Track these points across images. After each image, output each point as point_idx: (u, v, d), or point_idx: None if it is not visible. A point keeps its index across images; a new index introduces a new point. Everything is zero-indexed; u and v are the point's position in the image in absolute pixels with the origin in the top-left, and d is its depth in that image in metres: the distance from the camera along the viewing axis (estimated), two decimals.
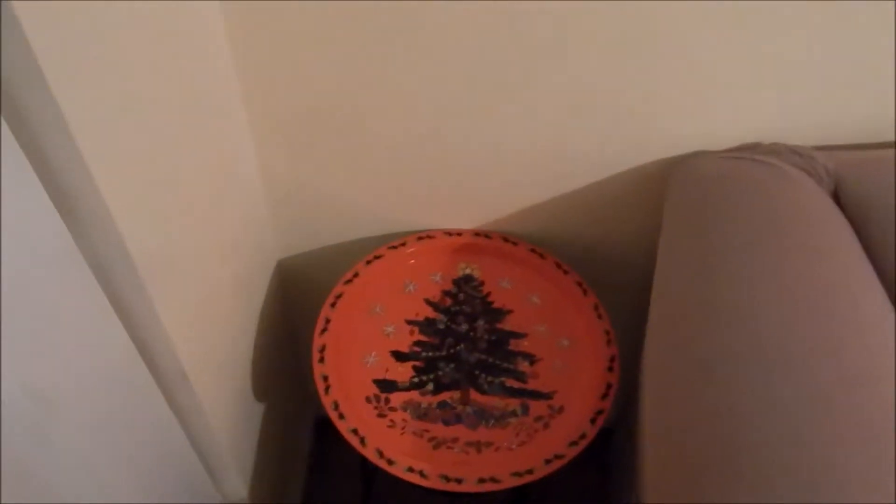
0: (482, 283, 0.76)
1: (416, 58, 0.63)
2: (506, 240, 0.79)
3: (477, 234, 0.80)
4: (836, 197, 0.65)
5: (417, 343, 0.71)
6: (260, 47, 0.62)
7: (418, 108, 0.68)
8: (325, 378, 0.67)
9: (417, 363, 0.70)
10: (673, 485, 0.47)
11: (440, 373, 0.69)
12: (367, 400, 0.66)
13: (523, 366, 0.70)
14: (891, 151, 0.67)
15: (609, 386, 0.67)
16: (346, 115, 0.69)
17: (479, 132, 0.70)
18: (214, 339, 0.64)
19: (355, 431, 0.63)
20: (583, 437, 0.63)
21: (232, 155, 0.67)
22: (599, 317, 0.72)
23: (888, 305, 0.56)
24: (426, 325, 0.73)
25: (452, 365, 0.70)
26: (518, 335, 0.72)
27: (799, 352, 0.50)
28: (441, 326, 0.73)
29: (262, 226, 0.78)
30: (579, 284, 0.75)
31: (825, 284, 0.55)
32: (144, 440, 0.53)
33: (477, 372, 0.69)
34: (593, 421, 0.64)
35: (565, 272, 0.76)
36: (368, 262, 0.77)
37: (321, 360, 0.68)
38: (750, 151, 0.66)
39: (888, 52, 0.62)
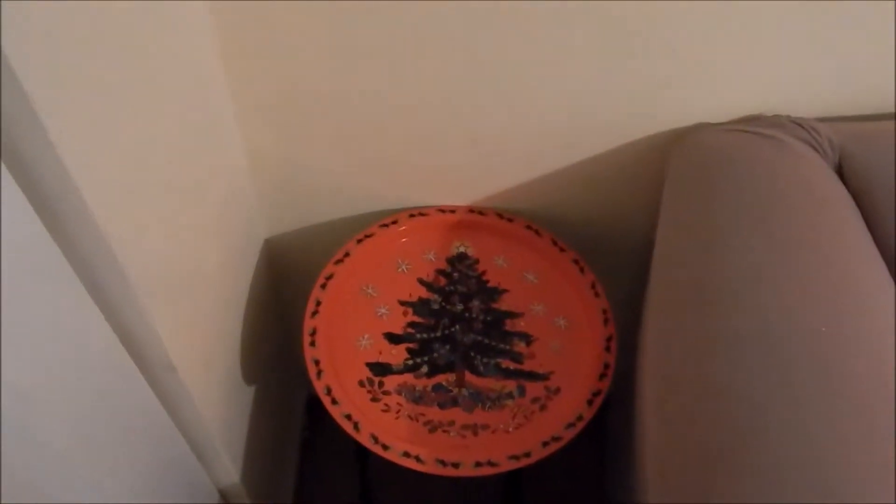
0: (477, 262, 0.75)
1: (405, 30, 0.60)
2: (501, 216, 0.77)
3: (471, 210, 0.78)
4: (840, 169, 0.64)
5: (411, 324, 0.70)
6: (243, 23, 0.59)
7: (407, 81, 0.65)
8: (317, 362, 0.65)
9: (411, 345, 0.68)
10: (679, 468, 0.46)
11: (435, 355, 0.67)
12: (361, 384, 0.65)
13: (519, 346, 0.68)
14: (893, 123, 0.66)
15: (606, 366, 0.66)
16: (333, 91, 0.66)
17: (472, 106, 0.68)
18: (201, 324, 0.62)
19: (349, 416, 0.62)
20: (580, 419, 0.62)
21: (215, 133, 0.64)
22: (596, 295, 0.71)
23: (890, 281, 0.54)
24: (420, 306, 0.71)
25: (447, 346, 0.68)
26: (514, 315, 0.71)
27: (804, 332, 0.49)
28: (435, 307, 0.71)
29: (248, 205, 0.76)
30: (576, 262, 0.73)
31: (829, 261, 0.54)
32: (132, 432, 0.51)
33: (472, 353, 0.68)
34: (590, 402, 0.63)
35: (562, 249, 0.74)
36: (359, 242, 0.75)
37: (312, 343, 0.66)
38: (752, 124, 0.64)
39: (890, 22, 0.60)
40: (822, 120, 0.66)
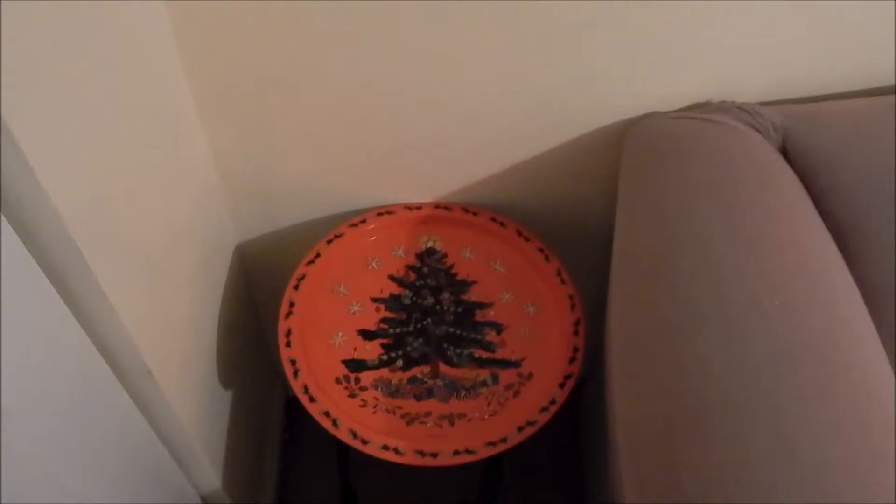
0: (445, 255, 0.76)
1: (367, 28, 0.61)
2: (466, 210, 0.79)
3: (437, 206, 0.80)
4: (785, 150, 0.67)
5: (384, 320, 0.71)
6: (202, 21, 0.59)
7: (370, 80, 0.66)
8: (293, 362, 0.66)
9: (385, 340, 0.69)
10: (647, 439, 0.48)
11: (409, 348, 0.69)
12: (337, 381, 0.66)
13: (491, 335, 0.70)
14: (835, 103, 0.70)
15: (576, 350, 0.68)
16: (296, 91, 0.67)
17: (435, 101, 0.69)
18: (176, 330, 0.62)
19: (327, 414, 0.63)
20: (553, 402, 0.64)
21: (180, 139, 0.64)
22: (563, 281, 0.73)
23: (837, 254, 0.58)
24: (392, 302, 0.72)
25: (421, 339, 0.70)
26: (484, 305, 0.73)
27: (761, 303, 0.52)
28: (407, 302, 0.72)
29: (217, 211, 0.76)
30: (541, 251, 0.76)
31: (779, 236, 0.57)
32: (110, 440, 0.51)
33: (445, 345, 0.69)
34: (562, 385, 0.65)
35: (527, 239, 0.77)
36: (329, 242, 0.76)
37: (287, 344, 0.67)
38: (699, 110, 0.67)
39: (825, 6, 0.63)
40: (766, 103, 0.69)
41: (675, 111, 0.70)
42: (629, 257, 0.59)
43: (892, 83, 0.70)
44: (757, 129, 0.65)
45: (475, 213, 0.79)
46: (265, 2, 0.58)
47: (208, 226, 0.73)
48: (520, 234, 0.77)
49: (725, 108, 0.68)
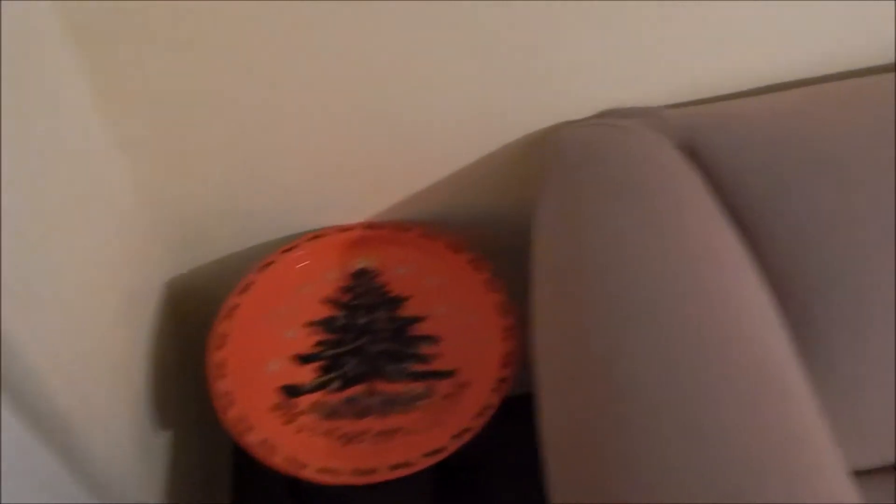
0: (378, 274, 0.77)
1: (290, 46, 0.62)
2: (397, 228, 0.80)
3: (369, 226, 0.81)
4: (693, 148, 0.70)
5: (319, 342, 0.71)
6: (110, 44, 0.58)
7: (295, 101, 0.67)
8: (228, 394, 0.66)
9: (321, 363, 0.70)
10: (566, 440, 0.50)
11: (345, 369, 0.69)
12: (274, 408, 0.66)
13: (426, 348, 0.71)
14: (739, 101, 0.73)
15: (508, 355, 0.69)
16: (217, 115, 0.67)
17: (360, 119, 0.70)
18: (103, 378, 0.61)
19: (264, 442, 0.63)
20: (488, 408, 0.65)
21: (98, 173, 0.64)
22: (494, 290, 0.75)
23: (741, 248, 0.61)
24: (326, 324, 0.73)
25: (356, 359, 0.70)
26: (419, 319, 0.74)
27: (672, 297, 0.54)
28: (342, 322, 0.73)
29: (142, 246, 0.75)
30: (471, 262, 0.77)
31: (685, 231, 0.60)
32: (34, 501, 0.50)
33: (381, 362, 0.70)
34: (496, 390, 0.66)
35: (457, 251, 0.78)
36: (261, 270, 0.76)
37: (220, 376, 0.67)
38: (607, 117, 0.70)
39: (729, 8, 0.67)
40: (672, 106, 0.73)
41: (586, 119, 0.73)
42: (544, 259, 0.61)
43: (789, 79, 0.75)
44: (661, 131, 0.68)
45: (406, 230, 0.80)
46: (176, 15, 0.58)
47: (133, 263, 0.72)
48: (450, 247, 0.78)
49: (632, 113, 0.71)
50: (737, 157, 0.68)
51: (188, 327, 0.89)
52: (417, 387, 0.68)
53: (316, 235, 0.79)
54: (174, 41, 0.60)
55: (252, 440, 0.63)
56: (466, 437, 0.63)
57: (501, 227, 0.84)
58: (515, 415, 0.64)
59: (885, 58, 0.75)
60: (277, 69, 0.64)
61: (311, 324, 0.73)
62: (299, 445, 0.63)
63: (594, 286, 0.55)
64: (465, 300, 0.75)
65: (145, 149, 0.68)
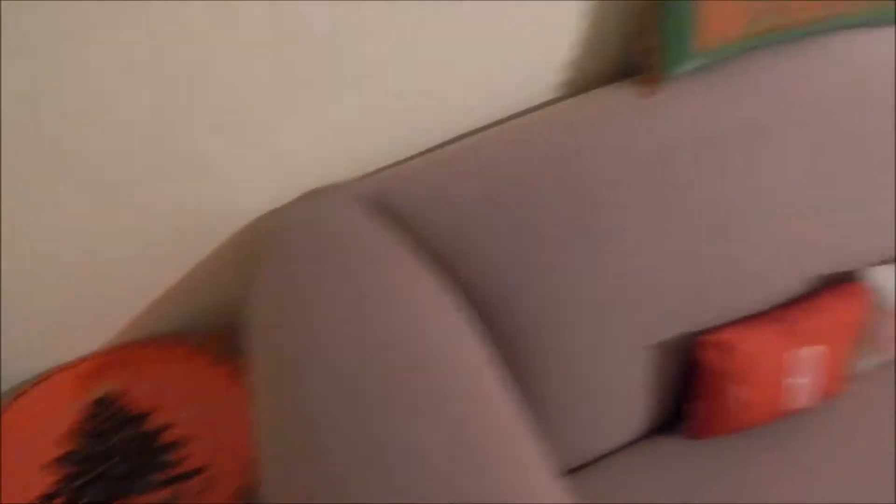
0: (121, 395, 0.78)
1: None
2: (133, 346, 0.81)
3: (103, 352, 0.81)
4: (387, 207, 0.80)
5: (63, 478, 0.70)
6: None
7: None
8: None
9: (63, 498, 0.68)
10: (277, 479, 0.53)
11: (87, 499, 0.68)
12: None
13: (174, 454, 0.72)
14: (423, 157, 0.84)
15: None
16: None
17: (74, 248, 0.72)
18: None
19: None
20: (241, 489, 0.67)
21: None
22: (237, 384, 0.78)
23: (439, 294, 0.69)
24: (69, 458, 0.72)
25: (99, 485, 0.69)
26: (166, 428, 0.74)
27: (361, 341, 0.60)
28: (85, 453, 0.72)
29: None
30: (212, 361, 0.80)
31: (380, 285, 0.67)
32: None
33: (127, 481, 0.70)
34: (246, 474, 0.68)
35: (198, 354, 0.81)
36: None
37: None
38: (306, 198, 0.78)
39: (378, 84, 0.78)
40: (363, 177, 0.82)
41: (288, 204, 0.80)
42: (260, 335, 0.65)
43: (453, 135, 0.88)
44: (354, 200, 0.77)
45: (144, 346, 0.81)
46: None
47: None
48: (190, 352, 0.81)
49: (328, 190, 0.80)
50: (425, 205, 0.78)
51: None
52: (165, 494, 0.69)
53: (45, 377, 0.78)
54: None
55: None
56: None
57: (236, 318, 0.89)
58: None
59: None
60: None
61: (52, 463, 0.71)
62: None
63: (294, 337, 0.60)
64: (210, 397, 0.77)
65: None
